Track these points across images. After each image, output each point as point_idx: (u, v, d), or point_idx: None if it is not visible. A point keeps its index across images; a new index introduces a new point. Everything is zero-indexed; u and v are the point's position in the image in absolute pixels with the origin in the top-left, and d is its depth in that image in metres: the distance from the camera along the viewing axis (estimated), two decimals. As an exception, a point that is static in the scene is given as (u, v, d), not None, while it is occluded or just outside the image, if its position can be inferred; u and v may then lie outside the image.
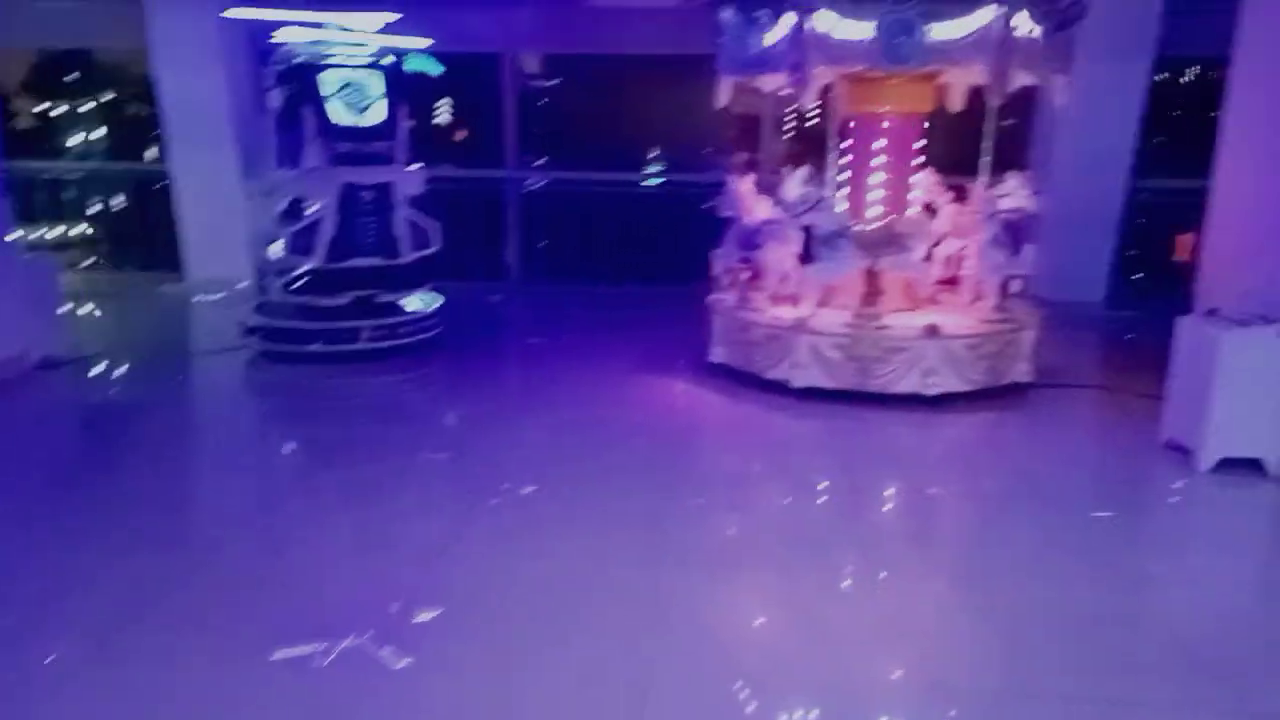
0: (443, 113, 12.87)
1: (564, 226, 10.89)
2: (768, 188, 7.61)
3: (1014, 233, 6.54)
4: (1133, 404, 6.37)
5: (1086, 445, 5.73)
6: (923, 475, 5.34)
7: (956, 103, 7.22)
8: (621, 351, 7.88)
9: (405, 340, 7.54)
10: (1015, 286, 6.70)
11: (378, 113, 7.39)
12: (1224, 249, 5.98)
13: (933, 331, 6.22)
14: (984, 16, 5.98)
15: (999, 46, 5.98)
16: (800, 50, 6.25)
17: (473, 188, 10.70)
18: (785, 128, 10.37)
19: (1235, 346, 4.92)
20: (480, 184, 10.71)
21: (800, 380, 6.43)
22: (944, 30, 6.04)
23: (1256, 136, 5.73)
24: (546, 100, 11.17)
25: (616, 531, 4.42)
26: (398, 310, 7.64)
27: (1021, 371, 6.58)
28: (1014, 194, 6.64)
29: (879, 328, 6.35)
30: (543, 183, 10.88)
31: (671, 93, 10.65)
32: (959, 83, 7.06)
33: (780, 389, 6.52)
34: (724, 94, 7.30)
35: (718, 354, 7.09)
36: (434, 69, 11.43)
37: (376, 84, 7.39)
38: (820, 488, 5.07)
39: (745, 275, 7.09)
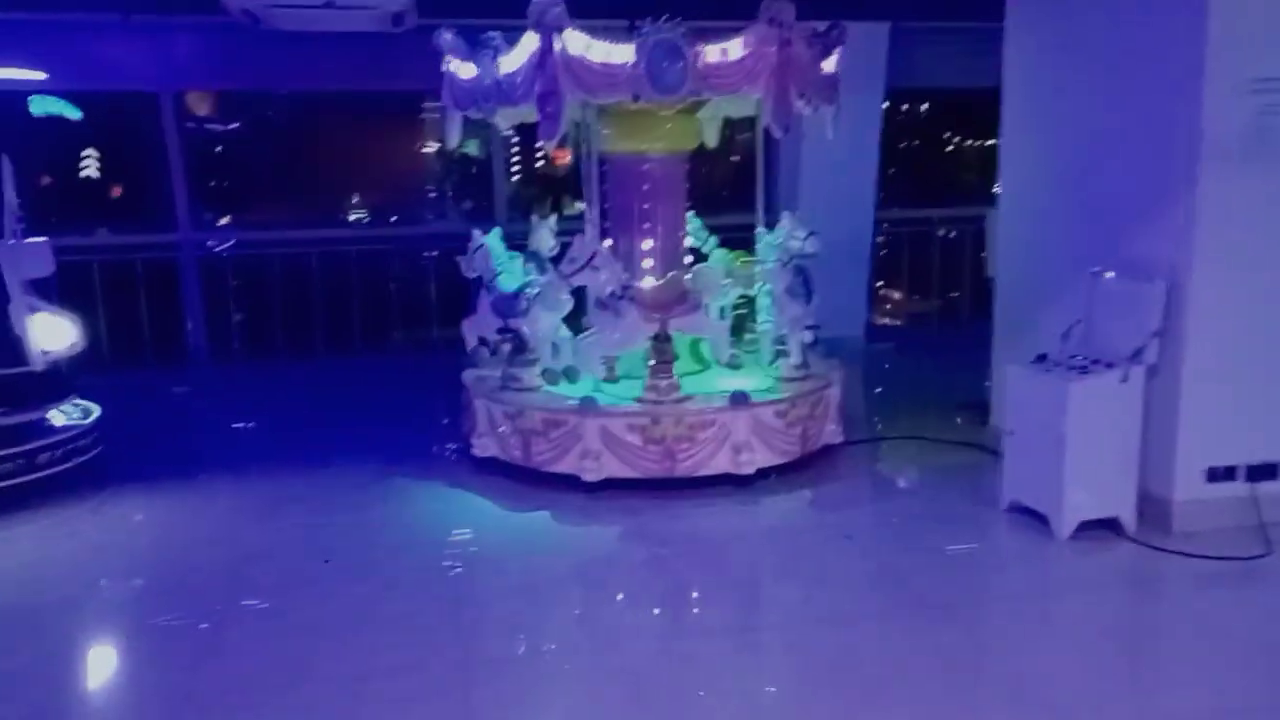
0: (89, 167, 10.45)
1: (264, 294, 9.03)
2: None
3: (804, 279, 5.85)
4: (952, 455, 5.88)
5: (926, 518, 5.03)
6: (755, 575, 4.48)
7: (713, 138, 6.48)
8: (356, 446, 6.31)
9: (50, 470, 5.49)
10: (808, 337, 6.01)
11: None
12: (1017, 286, 5.65)
13: (741, 400, 5.33)
14: (756, 38, 5.23)
15: (779, 71, 5.26)
16: (550, 78, 5.16)
17: (138, 257, 8.56)
18: (520, 170, 9.30)
19: (1084, 397, 4.42)
20: (147, 251, 8.59)
21: (594, 473, 5.28)
22: (716, 54, 5.22)
23: (1036, 166, 5.45)
24: (222, 148, 9.24)
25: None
26: (34, 431, 5.57)
27: (832, 433, 5.89)
28: (797, 236, 5.95)
29: (679, 400, 5.37)
30: (230, 244, 8.95)
31: (386, 133, 9.21)
32: (721, 115, 6.31)
33: (570, 484, 5.34)
34: (453, 133, 6.06)
35: (485, 446, 5.76)
36: (70, 112, 9.16)
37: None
38: (640, 610, 4.05)
39: (507, 347, 5.85)
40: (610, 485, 5.29)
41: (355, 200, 9.51)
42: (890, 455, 6.02)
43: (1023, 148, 5.60)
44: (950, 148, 13.16)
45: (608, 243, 5.96)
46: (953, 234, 10.15)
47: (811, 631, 3.85)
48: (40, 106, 9.86)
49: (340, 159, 9.52)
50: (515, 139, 9.14)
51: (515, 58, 5.35)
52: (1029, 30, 5.54)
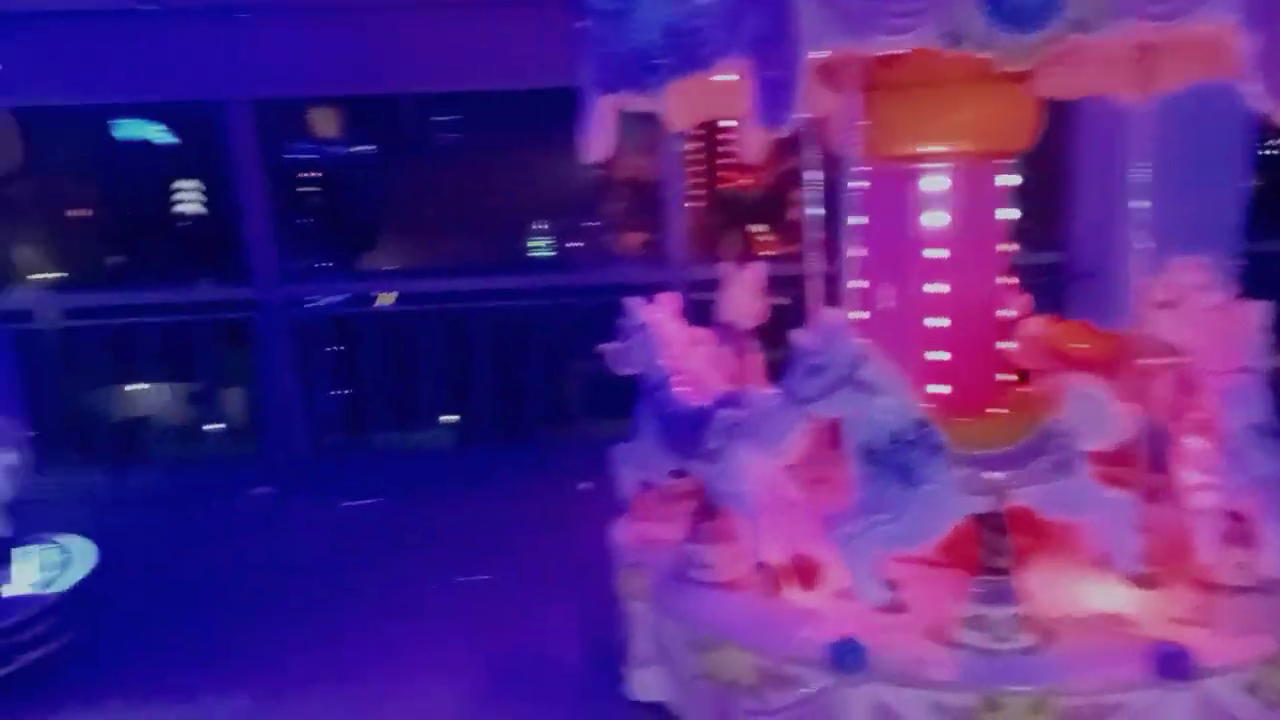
0: (188, 201, 8.84)
1: (384, 364, 6.81)
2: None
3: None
4: None
5: None
6: None
7: (1034, 134, 3.61)
8: (441, 643, 3.95)
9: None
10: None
11: None
12: None
13: (1178, 667, 2.53)
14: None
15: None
16: (775, 10, 2.60)
17: (193, 318, 6.46)
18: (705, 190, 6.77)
19: None
20: (211, 311, 6.55)
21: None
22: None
23: None
24: (321, 175, 7.23)
25: None
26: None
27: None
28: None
29: (1033, 651, 2.65)
30: (331, 301, 6.91)
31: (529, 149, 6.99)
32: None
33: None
34: (599, 135, 3.50)
35: (648, 685, 3.25)
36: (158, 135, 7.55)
37: None
38: None
39: (691, 505, 3.31)
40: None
41: (505, 240, 7.32)
42: None
43: None
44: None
45: (853, 315, 3.34)
46: None
47: None
48: (125, 130, 8.45)
49: (489, 182, 7.37)
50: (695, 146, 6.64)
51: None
52: None
